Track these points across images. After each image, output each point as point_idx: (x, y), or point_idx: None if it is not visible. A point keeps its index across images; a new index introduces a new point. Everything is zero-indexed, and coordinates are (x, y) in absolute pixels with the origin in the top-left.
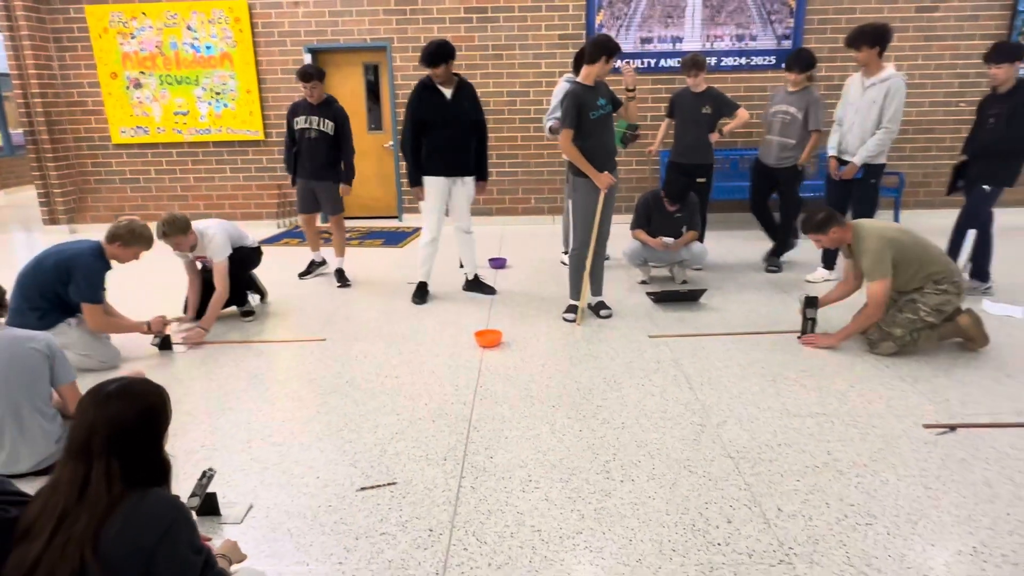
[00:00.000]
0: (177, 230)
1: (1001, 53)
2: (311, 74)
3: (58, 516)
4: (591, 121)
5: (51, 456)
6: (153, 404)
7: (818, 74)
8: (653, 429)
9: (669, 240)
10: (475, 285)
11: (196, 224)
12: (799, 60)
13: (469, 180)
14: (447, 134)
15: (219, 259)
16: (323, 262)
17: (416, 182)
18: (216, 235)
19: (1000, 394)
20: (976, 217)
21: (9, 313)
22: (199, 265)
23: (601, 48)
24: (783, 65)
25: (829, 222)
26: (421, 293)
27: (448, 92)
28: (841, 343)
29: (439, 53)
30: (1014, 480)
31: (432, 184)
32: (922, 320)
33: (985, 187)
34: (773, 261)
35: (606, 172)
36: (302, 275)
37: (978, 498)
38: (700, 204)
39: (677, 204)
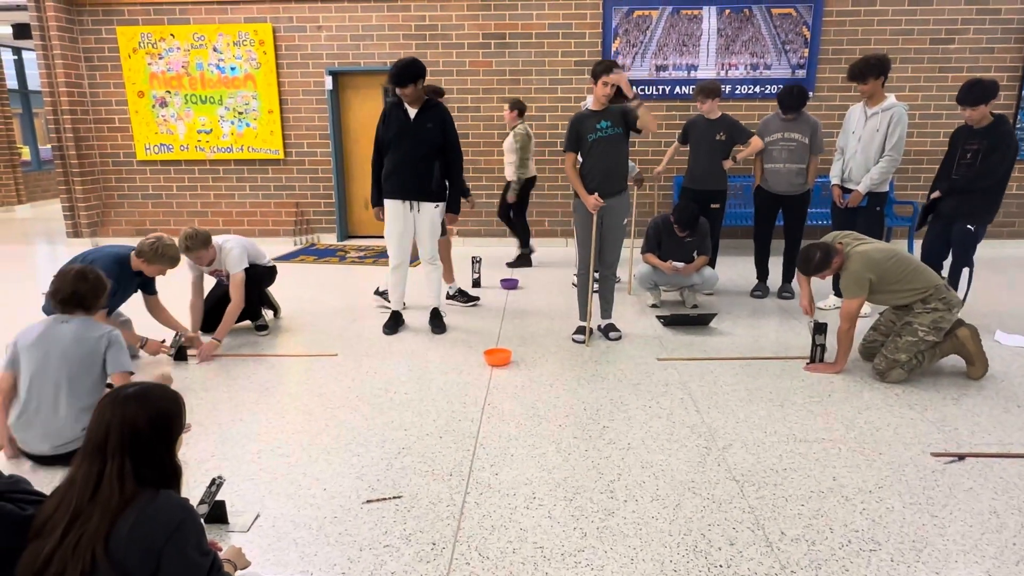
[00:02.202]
0: (199, 244)
1: (975, 97)
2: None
3: (71, 514)
4: (588, 144)
5: (76, 440)
6: (167, 410)
7: (832, 103)
8: (659, 450)
9: (679, 264)
10: (432, 318)
11: (215, 239)
12: (795, 98)
13: (428, 207)
14: (403, 154)
15: (236, 271)
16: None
17: (376, 202)
18: (234, 248)
19: (1010, 424)
20: (967, 257)
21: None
22: (216, 279)
23: (592, 73)
24: (780, 104)
25: (828, 256)
26: (393, 323)
27: (412, 112)
28: (844, 367)
29: (405, 73)
30: (1022, 510)
31: (390, 208)
32: (923, 340)
33: (969, 227)
34: (786, 288)
35: (594, 195)
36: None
37: (985, 527)
38: (712, 230)
39: (687, 231)
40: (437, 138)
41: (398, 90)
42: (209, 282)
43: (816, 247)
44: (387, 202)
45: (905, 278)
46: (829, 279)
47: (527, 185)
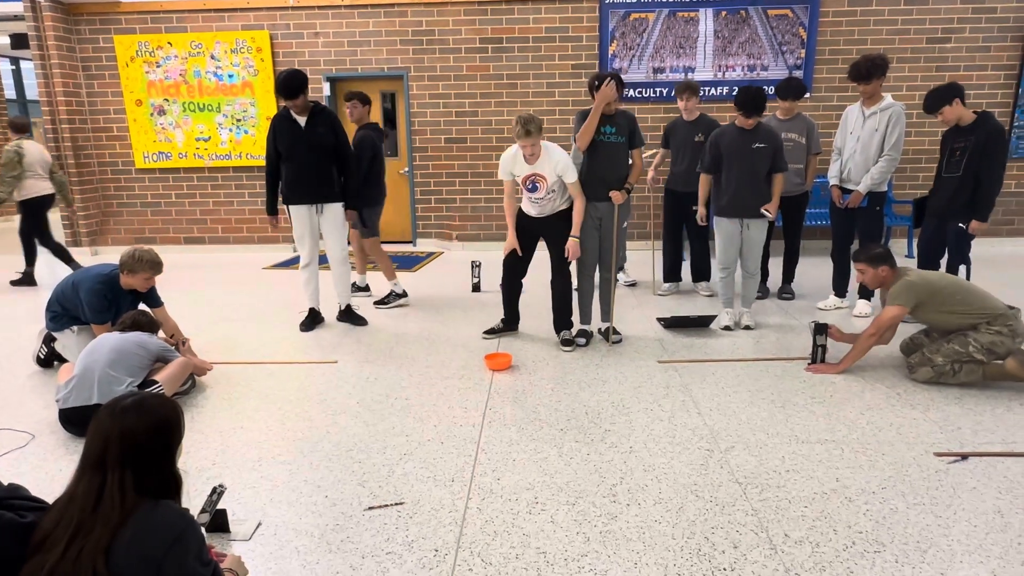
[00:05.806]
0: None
1: (937, 100)
2: (351, 95)
3: (74, 527)
4: (591, 145)
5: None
6: (166, 418)
7: (829, 103)
8: (661, 454)
9: (771, 211)
10: (346, 316)
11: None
12: (793, 89)
13: (333, 207)
14: (302, 162)
15: (571, 179)
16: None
17: (271, 211)
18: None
19: (1013, 423)
20: (963, 254)
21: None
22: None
23: (589, 86)
24: (777, 94)
25: (884, 259)
26: (310, 320)
27: (302, 121)
28: (848, 368)
29: (293, 85)
30: None
31: (295, 212)
32: (968, 355)
33: (962, 224)
34: (786, 288)
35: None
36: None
37: (990, 527)
38: (702, 233)
39: (753, 114)
40: (330, 141)
41: (287, 102)
42: None
43: (884, 248)
44: (293, 208)
45: (963, 300)
46: (854, 291)
47: (42, 205)
